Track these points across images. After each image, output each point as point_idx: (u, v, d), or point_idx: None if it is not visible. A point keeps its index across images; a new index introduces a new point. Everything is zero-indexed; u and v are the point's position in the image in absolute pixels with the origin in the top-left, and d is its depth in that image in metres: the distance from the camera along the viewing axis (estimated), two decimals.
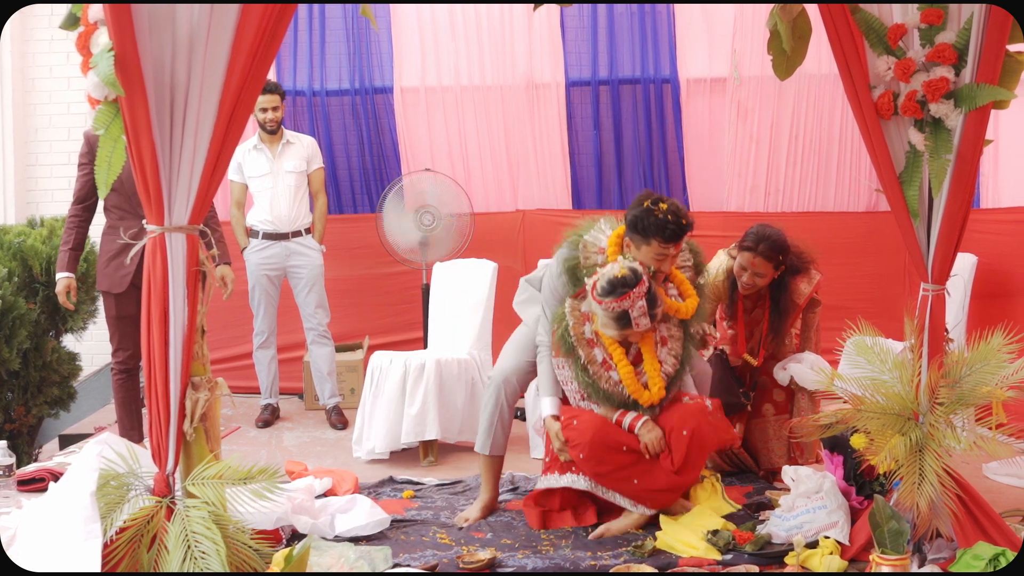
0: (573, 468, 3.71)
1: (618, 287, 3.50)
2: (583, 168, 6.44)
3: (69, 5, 3.04)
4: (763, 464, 4.32)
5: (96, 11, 2.80)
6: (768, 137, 6.35)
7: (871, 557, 3.02)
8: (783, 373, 4.17)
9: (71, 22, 3.10)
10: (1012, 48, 3.15)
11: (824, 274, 6.15)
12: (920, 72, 3.13)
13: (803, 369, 4.09)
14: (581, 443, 3.63)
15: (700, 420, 3.64)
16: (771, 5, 3.59)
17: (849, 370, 3.47)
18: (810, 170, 6.40)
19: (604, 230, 3.78)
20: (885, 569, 2.95)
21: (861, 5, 3.17)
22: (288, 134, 5.61)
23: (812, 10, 3.46)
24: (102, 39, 2.77)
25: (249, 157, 5.53)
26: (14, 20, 6.81)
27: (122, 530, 2.87)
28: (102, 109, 2.82)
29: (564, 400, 3.85)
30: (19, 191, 6.97)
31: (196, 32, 2.85)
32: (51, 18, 6.80)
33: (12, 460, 4.29)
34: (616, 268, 3.54)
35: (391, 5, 6.32)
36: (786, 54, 3.42)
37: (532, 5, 4.14)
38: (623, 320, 3.54)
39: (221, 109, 2.88)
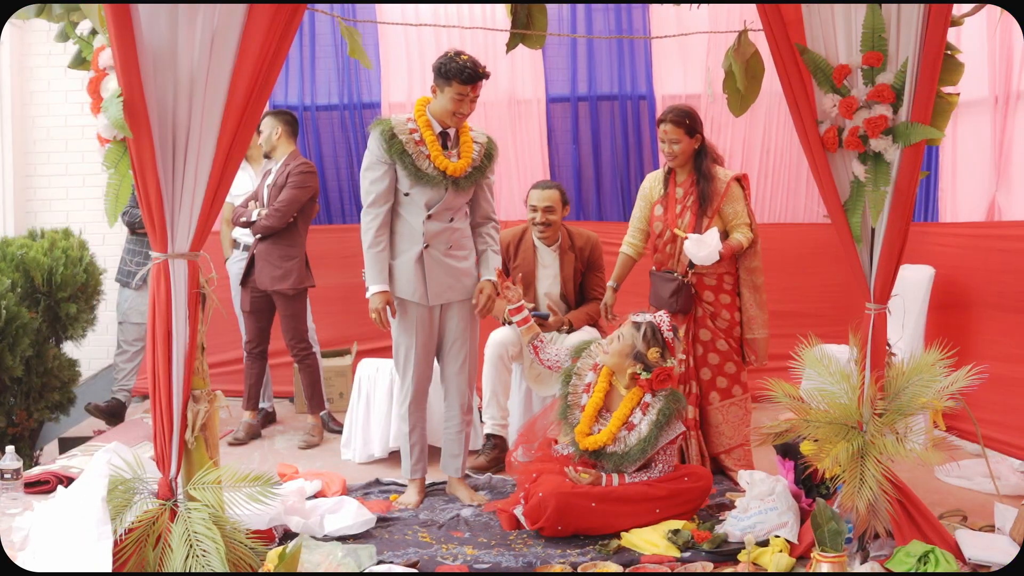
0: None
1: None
2: (563, 181, 6.57)
3: (72, 26, 3.29)
4: (712, 448, 4.65)
5: (106, 58, 3.05)
6: (741, 151, 6.61)
7: (812, 555, 3.27)
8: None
9: (78, 62, 3.36)
10: (945, 89, 3.43)
11: (794, 281, 6.43)
12: (862, 109, 3.40)
13: (687, 244, 4.45)
14: (549, 522, 3.77)
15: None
16: (731, 41, 3.85)
17: (804, 382, 3.74)
18: (780, 183, 6.66)
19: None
20: (824, 566, 3.19)
21: (809, 48, 3.44)
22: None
23: (764, 51, 3.72)
24: (111, 84, 3.01)
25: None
26: (12, 34, 7.00)
27: (130, 531, 3.11)
28: (111, 148, 3.07)
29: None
30: (18, 201, 7.16)
31: (196, 73, 3.10)
32: (49, 32, 6.99)
33: (19, 464, 4.50)
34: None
35: (378, 24, 6.53)
36: (740, 92, 3.67)
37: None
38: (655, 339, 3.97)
39: (219, 146, 3.14)
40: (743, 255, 4.62)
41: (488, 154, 4.30)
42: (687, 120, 4.54)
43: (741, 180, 4.66)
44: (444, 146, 4.18)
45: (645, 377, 3.97)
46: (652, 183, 4.84)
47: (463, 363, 4.34)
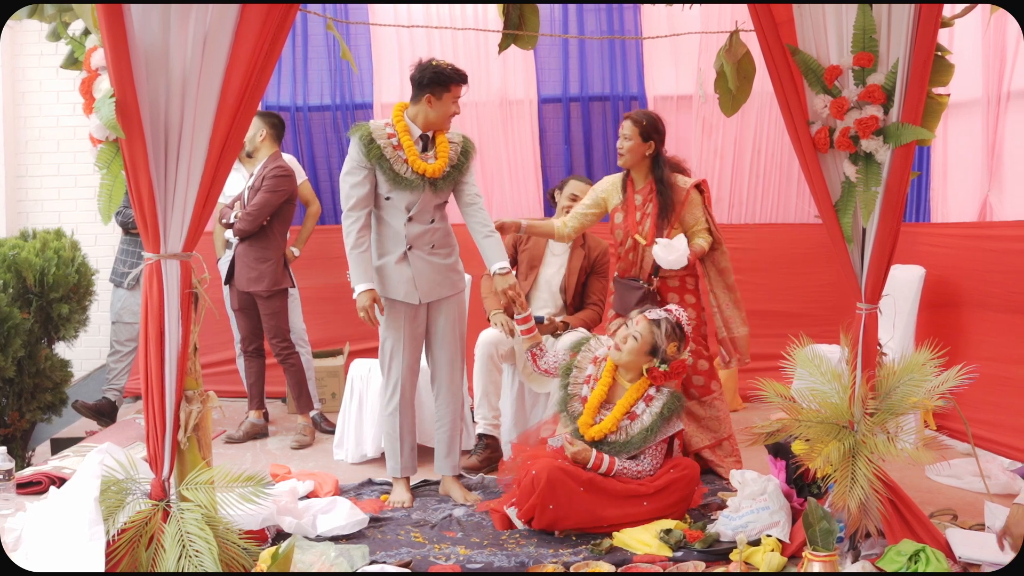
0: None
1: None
2: (554, 181, 6.63)
3: (64, 26, 3.29)
4: (697, 443, 4.69)
5: (98, 58, 3.05)
6: (732, 152, 6.64)
7: (804, 554, 3.28)
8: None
9: (70, 62, 3.35)
10: (936, 90, 3.44)
11: (785, 281, 6.44)
12: (853, 110, 3.42)
13: (656, 249, 4.49)
14: (540, 498, 3.78)
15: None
16: (724, 39, 3.86)
17: (796, 382, 3.76)
18: (772, 183, 6.69)
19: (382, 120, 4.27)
20: (816, 565, 3.21)
21: (800, 48, 3.45)
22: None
23: (755, 51, 3.74)
24: (104, 85, 3.01)
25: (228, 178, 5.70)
26: (4, 34, 6.98)
27: (122, 531, 3.11)
28: (103, 148, 3.07)
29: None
30: (9, 202, 7.16)
31: (188, 74, 3.10)
32: (40, 33, 6.96)
33: (11, 465, 4.50)
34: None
35: (370, 26, 6.54)
36: (731, 93, 3.68)
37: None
38: (671, 333, 4.00)
39: (212, 146, 3.14)
40: (712, 257, 4.69)
41: (465, 151, 4.33)
42: (644, 122, 4.56)
43: (700, 185, 4.70)
44: (424, 148, 4.24)
45: (664, 370, 4.00)
46: (610, 188, 4.80)
47: (453, 358, 4.40)
